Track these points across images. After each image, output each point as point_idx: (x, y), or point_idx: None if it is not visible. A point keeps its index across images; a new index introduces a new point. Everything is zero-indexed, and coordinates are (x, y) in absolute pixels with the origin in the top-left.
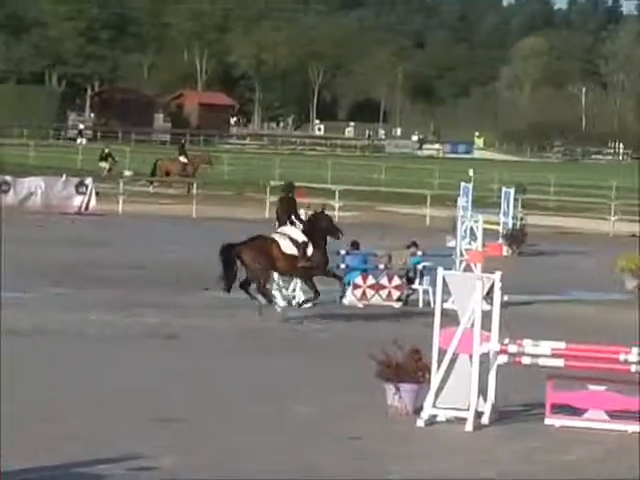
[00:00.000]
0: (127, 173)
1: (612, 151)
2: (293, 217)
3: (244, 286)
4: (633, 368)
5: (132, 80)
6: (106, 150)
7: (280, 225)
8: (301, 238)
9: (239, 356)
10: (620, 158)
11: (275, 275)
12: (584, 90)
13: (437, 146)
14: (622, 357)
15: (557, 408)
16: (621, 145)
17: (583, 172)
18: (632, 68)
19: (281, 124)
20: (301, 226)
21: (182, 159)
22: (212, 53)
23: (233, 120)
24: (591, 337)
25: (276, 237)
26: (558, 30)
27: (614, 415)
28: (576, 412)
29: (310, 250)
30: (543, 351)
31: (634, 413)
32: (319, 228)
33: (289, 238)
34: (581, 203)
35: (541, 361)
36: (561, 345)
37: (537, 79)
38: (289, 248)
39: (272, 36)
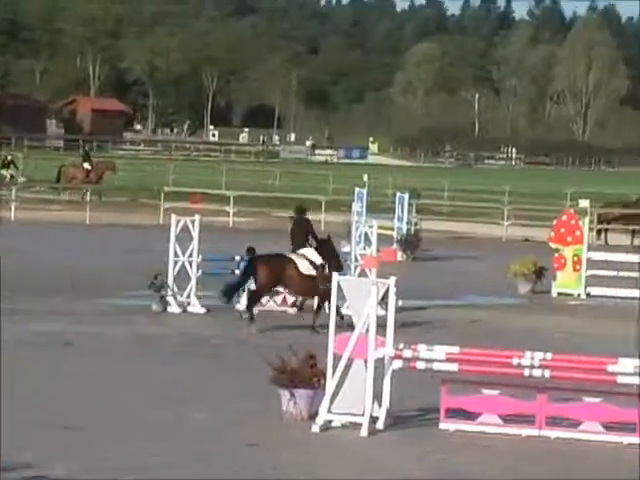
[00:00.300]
0: (21, 179)
1: (505, 156)
2: (310, 237)
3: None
4: (526, 372)
5: (24, 86)
6: (8, 157)
7: (296, 246)
8: (318, 260)
9: (135, 363)
10: (513, 163)
11: (170, 280)
12: (477, 96)
13: (331, 152)
14: (515, 361)
15: (451, 412)
16: (513, 150)
17: (476, 177)
18: (524, 73)
19: (175, 130)
20: (314, 245)
21: (86, 165)
22: (105, 59)
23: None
24: (485, 341)
25: (294, 257)
26: (451, 36)
27: (508, 419)
28: (470, 416)
29: (326, 272)
30: (437, 356)
31: (528, 417)
32: (330, 250)
33: (307, 259)
34: (474, 208)
35: (435, 366)
36: (455, 349)
37: (430, 85)
38: (307, 269)
39: (165, 41)
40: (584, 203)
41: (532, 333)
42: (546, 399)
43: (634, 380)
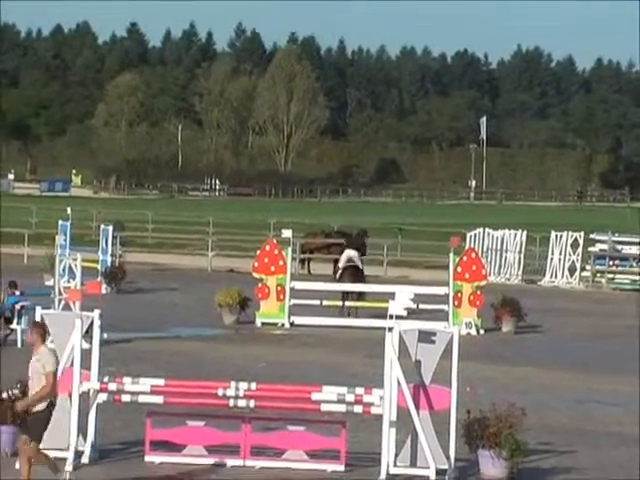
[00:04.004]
0: None
1: (208, 187)
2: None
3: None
4: (231, 402)
5: None
6: None
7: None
8: (361, 266)
9: None
10: (217, 194)
11: None
12: (180, 127)
13: (34, 184)
14: (220, 392)
15: (157, 445)
16: (217, 181)
17: (180, 209)
18: (225, 104)
19: None
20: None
21: None
22: None
23: None
24: (191, 373)
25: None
26: (153, 67)
27: (213, 450)
28: (175, 448)
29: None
30: (143, 388)
31: (233, 447)
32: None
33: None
34: (179, 239)
35: (141, 398)
36: (160, 382)
37: (133, 116)
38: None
39: None
40: (287, 233)
41: (237, 363)
42: (250, 429)
43: (338, 408)
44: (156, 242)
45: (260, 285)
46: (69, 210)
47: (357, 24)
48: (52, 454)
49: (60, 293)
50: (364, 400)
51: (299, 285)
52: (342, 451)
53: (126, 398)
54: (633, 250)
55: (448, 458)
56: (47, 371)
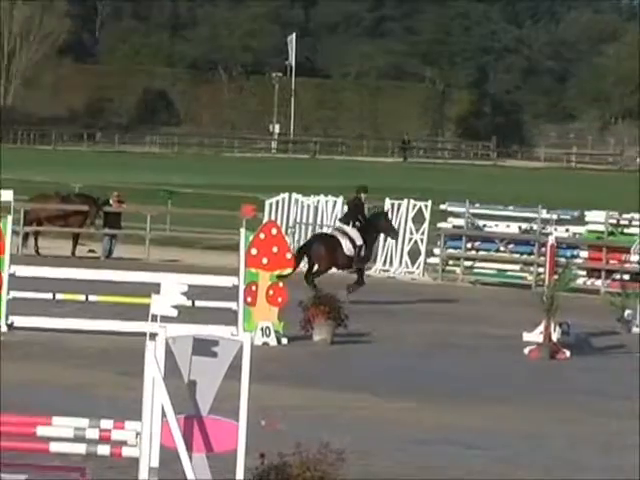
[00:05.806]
0: None
1: None
2: (359, 217)
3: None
4: None
5: None
6: None
7: (344, 222)
8: (359, 241)
9: None
10: None
11: None
12: None
13: None
14: None
15: None
16: None
17: None
18: None
19: None
20: (358, 225)
21: None
22: None
23: None
24: None
25: (339, 237)
26: None
27: None
28: None
29: (364, 251)
30: None
31: None
32: (377, 229)
33: (349, 239)
34: None
35: None
36: None
37: None
38: (349, 249)
39: None
40: (6, 195)
41: None
42: None
43: (75, 448)
44: None
45: None
46: None
47: None
48: None
49: None
50: (112, 437)
51: (22, 271)
52: None
53: None
54: (501, 227)
55: None
56: None
